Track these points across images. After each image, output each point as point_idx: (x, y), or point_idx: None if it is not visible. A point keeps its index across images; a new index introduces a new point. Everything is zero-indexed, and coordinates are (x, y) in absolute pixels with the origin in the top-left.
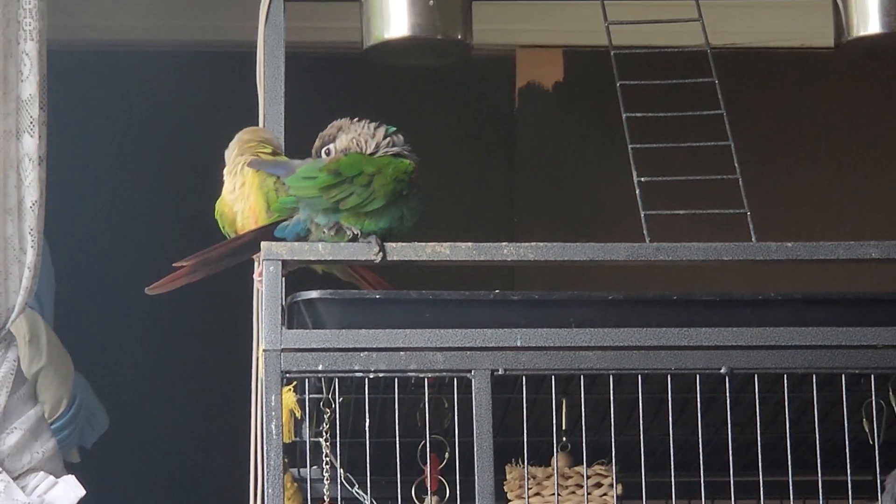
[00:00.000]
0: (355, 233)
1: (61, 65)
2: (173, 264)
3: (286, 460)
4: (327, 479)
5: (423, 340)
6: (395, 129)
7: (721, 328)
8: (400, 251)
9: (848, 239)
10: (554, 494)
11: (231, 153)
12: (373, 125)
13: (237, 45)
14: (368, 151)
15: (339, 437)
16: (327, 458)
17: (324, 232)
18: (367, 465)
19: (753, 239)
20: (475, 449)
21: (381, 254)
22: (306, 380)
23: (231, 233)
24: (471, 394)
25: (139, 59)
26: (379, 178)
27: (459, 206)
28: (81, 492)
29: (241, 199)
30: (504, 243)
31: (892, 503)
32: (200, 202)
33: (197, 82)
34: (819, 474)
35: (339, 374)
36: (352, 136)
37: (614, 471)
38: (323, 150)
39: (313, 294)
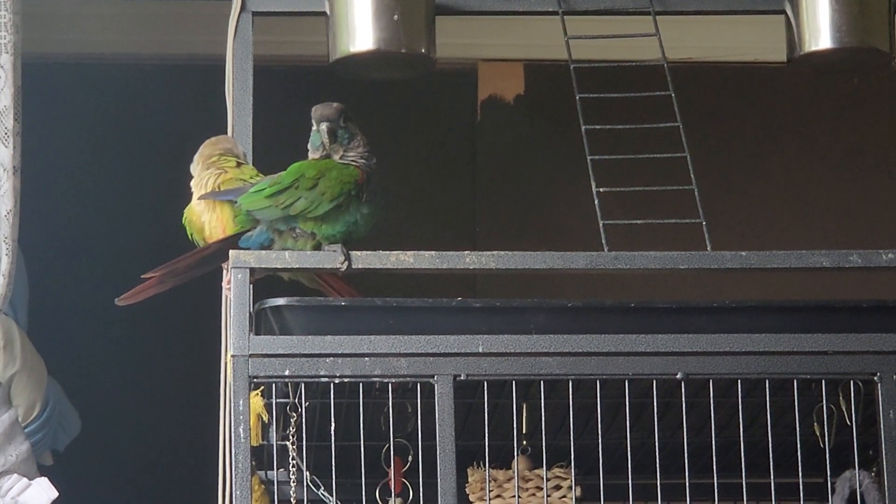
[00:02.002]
0: (314, 237)
1: (36, 77)
2: (142, 276)
3: (254, 463)
4: (294, 482)
5: (387, 346)
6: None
7: (677, 335)
8: (365, 259)
9: (800, 248)
10: (514, 497)
11: (196, 167)
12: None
13: (206, 59)
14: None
15: (306, 441)
16: (294, 461)
17: (286, 239)
18: (333, 468)
19: (709, 248)
20: (438, 452)
21: (346, 262)
22: (273, 385)
23: (199, 240)
24: (434, 398)
25: (111, 71)
26: (324, 182)
27: (423, 216)
28: (54, 494)
29: (208, 209)
30: (466, 252)
31: None
32: (171, 212)
33: (167, 95)
34: (772, 477)
35: (305, 380)
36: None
37: (573, 473)
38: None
39: (280, 301)
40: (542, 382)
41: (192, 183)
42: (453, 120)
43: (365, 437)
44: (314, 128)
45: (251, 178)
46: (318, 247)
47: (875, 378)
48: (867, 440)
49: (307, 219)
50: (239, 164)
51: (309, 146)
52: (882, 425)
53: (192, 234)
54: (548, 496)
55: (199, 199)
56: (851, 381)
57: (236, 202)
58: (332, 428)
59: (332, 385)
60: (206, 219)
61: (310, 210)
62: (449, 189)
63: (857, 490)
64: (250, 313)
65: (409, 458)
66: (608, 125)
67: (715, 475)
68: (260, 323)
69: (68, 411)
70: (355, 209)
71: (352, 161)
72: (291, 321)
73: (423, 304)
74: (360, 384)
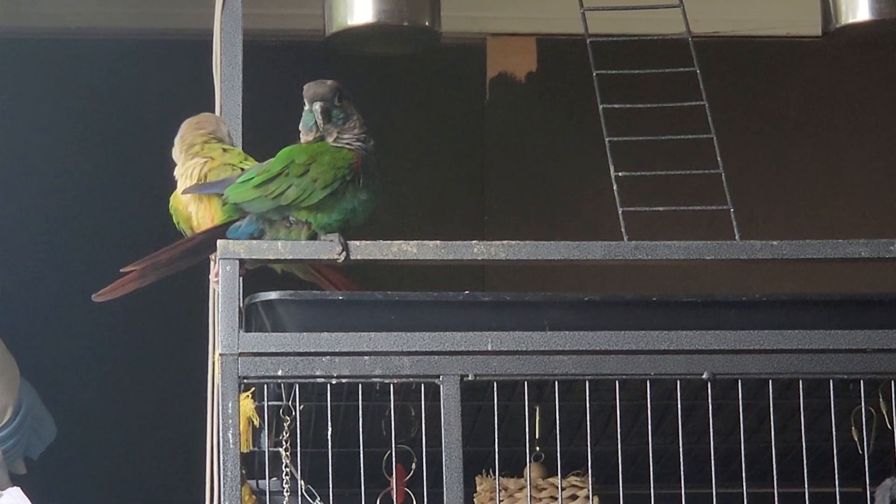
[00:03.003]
0: (309, 226)
1: (6, 54)
2: (121, 269)
3: (244, 471)
4: (287, 492)
5: (388, 344)
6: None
7: (703, 331)
8: (364, 250)
9: (837, 237)
10: None
11: (179, 154)
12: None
13: (193, 34)
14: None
15: (300, 447)
16: (287, 469)
17: (279, 229)
18: (330, 477)
19: (737, 237)
20: (443, 459)
21: (344, 253)
22: (265, 386)
23: (186, 229)
24: (439, 401)
25: (88, 48)
26: (316, 167)
27: (427, 204)
28: None
29: (195, 199)
30: (474, 242)
31: None
32: (155, 199)
33: (149, 73)
34: (806, 486)
35: (299, 380)
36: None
37: (590, 482)
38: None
39: (272, 295)
40: (556, 383)
41: (177, 172)
42: (460, 100)
43: (364, 443)
44: (307, 107)
45: (240, 162)
46: (313, 236)
47: None
48: None
49: (300, 208)
50: (225, 150)
51: (301, 127)
52: None
53: (178, 223)
54: None
55: (183, 192)
56: (892, 382)
57: (223, 195)
58: (329, 433)
59: (328, 386)
60: (193, 209)
61: (302, 199)
62: (455, 175)
63: None
64: (240, 308)
65: (413, 465)
66: (627, 104)
67: (744, 484)
68: (250, 319)
69: (43, 416)
70: (352, 196)
71: (346, 144)
72: (285, 317)
73: (427, 298)
74: (360, 385)
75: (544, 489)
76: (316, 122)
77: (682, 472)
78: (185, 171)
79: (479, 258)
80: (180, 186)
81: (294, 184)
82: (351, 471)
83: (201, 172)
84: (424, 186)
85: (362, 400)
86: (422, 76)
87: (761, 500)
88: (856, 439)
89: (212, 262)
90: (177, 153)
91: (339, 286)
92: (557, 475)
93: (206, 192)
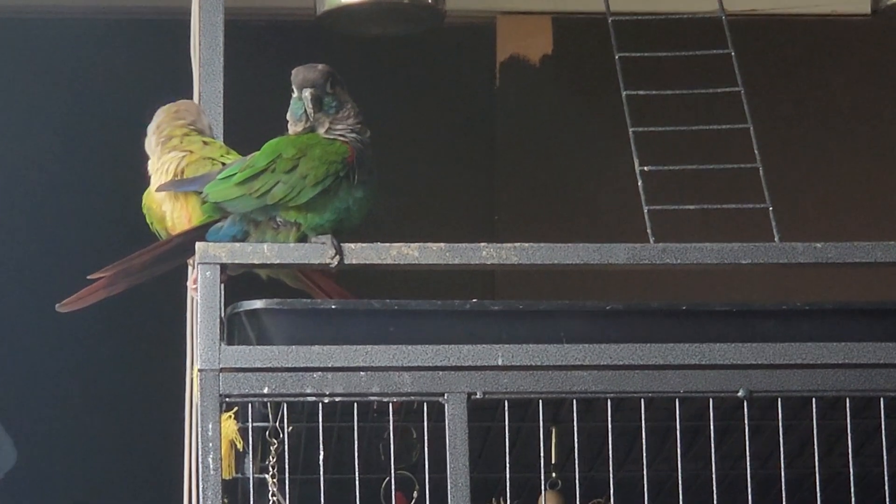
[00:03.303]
0: (298, 228)
1: None
2: (88, 276)
3: (226, 501)
4: None
5: (387, 359)
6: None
7: (739, 344)
8: (360, 253)
9: (888, 238)
10: None
11: (153, 147)
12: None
13: (167, 12)
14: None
15: (289, 473)
16: (274, 498)
17: (265, 231)
18: None
19: (777, 238)
20: (449, 486)
21: (337, 256)
22: (249, 405)
23: (161, 231)
24: (443, 421)
25: (57, 28)
26: (305, 162)
27: (431, 202)
28: None
29: (170, 197)
30: (483, 244)
31: None
32: (124, 197)
33: (118, 56)
34: None
35: (288, 399)
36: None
37: None
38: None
39: (257, 304)
40: (574, 402)
41: (150, 166)
42: (466, 86)
43: (360, 469)
44: (295, 95)
45: (221, 156)
46: (303, 239)
47: None
48: None
49: (288, 207)
50: (206, 143)
51: (289, 117)
52: None
53: (152, 223)
54: None
55: (157, 190)
56: None
57: (202, 193)
58: (321, 457)
59: (320, 405)
60: (168, 208)
61: (290, 197)
62: (462, 170)
63: None
64: (221, 319)
65: (415, 493)
66: (653, 90)
67: None
68: (233, 330)
69: (1, 438)
70: (346, 193)
71: (339, 135)
72: (271, 328)
73: (430, 306)
74: (355, 404)
75: None
76: (305, 111)
77: (714, 501)
78: (161, 165)
79: (489, 262)
80: (154, 183)
81: (281, 180)
82: (345, 499)
83: (178, 168)
84: (427, 183)
85: (358, 420)
86: (424, 60)
87: None
88: None
89: (190, 268)
90: (151, 145)
91: (332, 294)
92: None
93: (182, 190)
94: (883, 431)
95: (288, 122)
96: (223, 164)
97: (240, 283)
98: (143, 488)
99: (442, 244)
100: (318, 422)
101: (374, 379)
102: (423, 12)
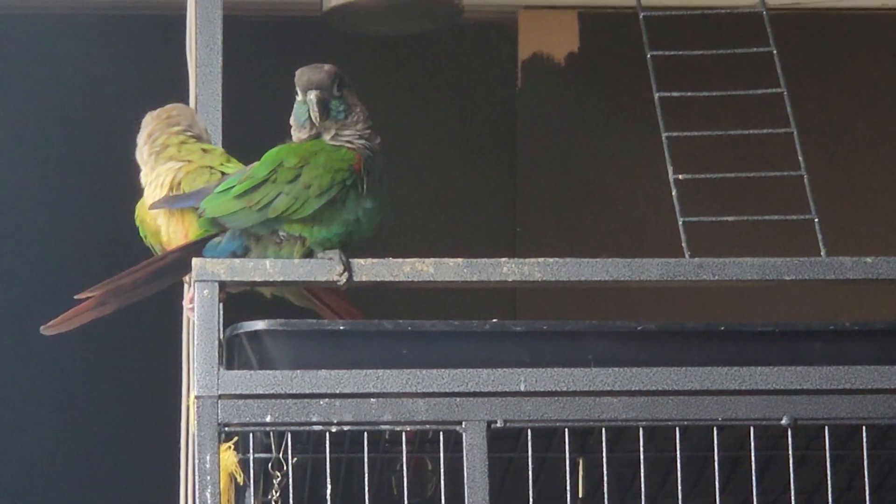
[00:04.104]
0: (304, 242)
1: None
2: (75, 296)
3: None
4: None
5: (400, 384)
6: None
7: (782, 367)
8: (370, 270)
9: None
10: None
11: (146, 156)
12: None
13: (161, 7)
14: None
15: None
16: None
17: (267, 246)
18: None
19: (823, 253)
20: None
21: (346, 273)
22: (251, 435)
23: (155, 245)
24: (461, 452)
25: (47, 25)
26: (309, 171)
27: (447, 213)
28: None
29: (165, 209)
30: (503, 259)
31: None
32: (115, 209)
33: (109, 55)
34: None
35: (292, 428)
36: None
37: None
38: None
39: (259, 325)
40: (603, 430)
41: (143, 178)
42: (486, 87)
43: (371, 503)
44: (299, 98)
45: (220, 165)
46: (308, 254)
47: None
48: None
49: (292, 220)
50: (206, 150)
51: (292, 121)
52: None
53: (146, 237)
54: None
55: (150, 207)
56: None
57: (198, 208)
58: (329, 491)
59: (327, 435)
60: (162, 222)
61: (294, 209)
62: (481, 178)
63: None
64: (220, 341)
65: None
66: (688, 92)
67: None
68: (233, 354)
69: None
70: (354, 204)
71: (346, 142)
72: (274, 351)
73: (446, 327)
74: (365, 433)
75: None
76: (310, 115)
77: None
78: (156, 178)
79: (510, 279)
80: (148, 195)
81: (283, 191)
82: None
83: (174, 179)
84: (443, 193)
85: (368, 451)
86: (439, 59)
87: None
88: None
89: (186, 286)
90: (143, 156)
91: (342, 313)
92: None
93: (177, 207)
94: None
95: (292, 126)
96: (223, 173)
97: (240, 303)
98: None
99: (459, 259)
100: (325, 453)
101: (386, 406)
102: (440, 8)
